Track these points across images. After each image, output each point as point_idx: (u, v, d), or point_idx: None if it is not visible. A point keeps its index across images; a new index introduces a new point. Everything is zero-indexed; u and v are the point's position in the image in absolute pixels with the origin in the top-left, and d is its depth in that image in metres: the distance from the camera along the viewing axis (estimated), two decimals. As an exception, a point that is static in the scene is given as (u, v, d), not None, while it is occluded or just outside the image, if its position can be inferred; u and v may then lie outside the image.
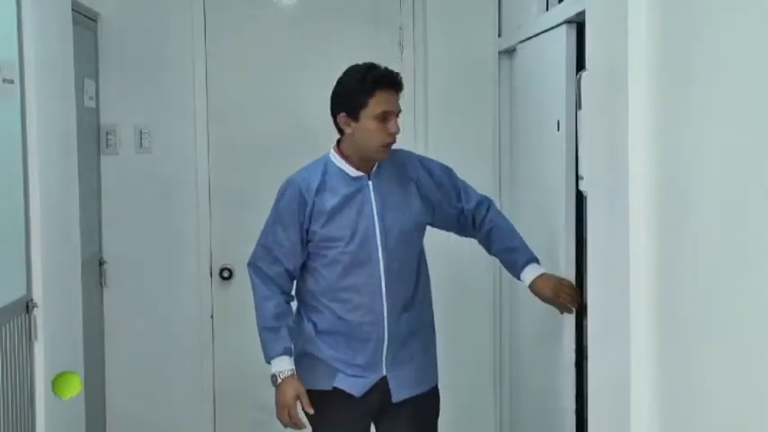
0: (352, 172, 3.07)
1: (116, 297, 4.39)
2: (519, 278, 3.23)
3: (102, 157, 4.36)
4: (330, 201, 3.03)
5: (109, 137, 4.35)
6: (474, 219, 3.25)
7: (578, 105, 2.71)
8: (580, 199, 3.17)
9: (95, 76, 4.28)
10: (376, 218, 3.04)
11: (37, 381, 3.01)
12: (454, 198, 3.22)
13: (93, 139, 4.27)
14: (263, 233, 3.15)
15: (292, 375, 3.02)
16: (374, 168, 3.09)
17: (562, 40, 3.22)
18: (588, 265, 2.29)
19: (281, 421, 3.06)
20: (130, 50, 4.36)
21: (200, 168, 4.43)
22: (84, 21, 4.08)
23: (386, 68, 3.04)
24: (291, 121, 4.47)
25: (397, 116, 3.02)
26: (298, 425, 3.04)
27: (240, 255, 4.46)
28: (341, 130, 3.09)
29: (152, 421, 4.44)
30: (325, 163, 3.11)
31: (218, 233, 4.47)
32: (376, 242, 3.04)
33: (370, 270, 3.03)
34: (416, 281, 3.15)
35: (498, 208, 3.41)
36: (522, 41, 3.90)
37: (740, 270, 1.41)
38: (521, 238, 3.26)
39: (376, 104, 2.97)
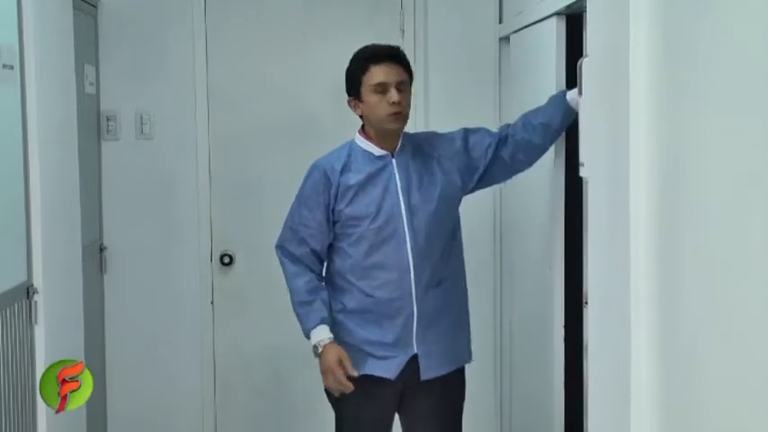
0: (376, 151, 3.12)
1: (116, 283, 4.40)
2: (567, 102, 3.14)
3: (103, 143, 4.36)
4: (354, 179, 3.09)
5: (109, 123, 4.35)
6: (507, 143, 3.20)
7: (579, 91, 2.72)
8: (578, 184, 3.18)
9: (96, 62, 4.27)
10: (401, 194, 3.08)
11: (38, 365, 3.02)
12: (486, 146, 3.20)
13: (93, 125, 4.26)
14: (290, 215, 3.20)
15: (332, 342, 3.04)
16: (398, 147, 3.13)
17: (552, 32, 3.31)
18: (588, 251, 2.30)
19: (330, 387, 3.07)
20: (131, 36, 4.35)
21: (200, 154, 4.42)
22: (85, 6, 4.07)
23: (381, 45, 3.13)
24: (292, 107, 4.46)
25: (400, 87, 3.05)
26: (346, 387, 3.03)
27: (241, 241, 4.49)
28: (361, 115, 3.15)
29: (153, 406, 4.45)
30: (350, 146, 3.17)
31: (218, 219, 4.47)
32: (401, 218, 3.06)
33: (397, 246, 3.05)
34: (448, 257, 3.16)
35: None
36: (515, 32, 3.94)
37: (742, 258, 1.41)
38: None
39: (370, 78, 3.05)
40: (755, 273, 1.36)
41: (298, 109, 4.46)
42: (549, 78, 3.37)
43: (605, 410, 2.07)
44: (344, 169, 3.10)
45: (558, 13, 3.30)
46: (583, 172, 2.77)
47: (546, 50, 3.42)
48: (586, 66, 2.49)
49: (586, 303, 2.63)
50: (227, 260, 4.47)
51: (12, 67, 2.92)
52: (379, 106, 3.04)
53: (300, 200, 3.16)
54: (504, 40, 4.23)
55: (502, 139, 3.20)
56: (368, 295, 3.09)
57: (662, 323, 1.76)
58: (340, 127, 4.35)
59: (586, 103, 2.50)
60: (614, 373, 1.96)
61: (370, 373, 3.09)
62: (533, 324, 3.75)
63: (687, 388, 1.64)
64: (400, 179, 3.10)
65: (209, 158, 4.44)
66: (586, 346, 2.59)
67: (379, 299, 3.08)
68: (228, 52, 4.43)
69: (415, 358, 3.09)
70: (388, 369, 3.08)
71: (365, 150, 3.13)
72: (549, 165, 3.39)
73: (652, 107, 1.78)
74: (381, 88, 3.03)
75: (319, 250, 3.14)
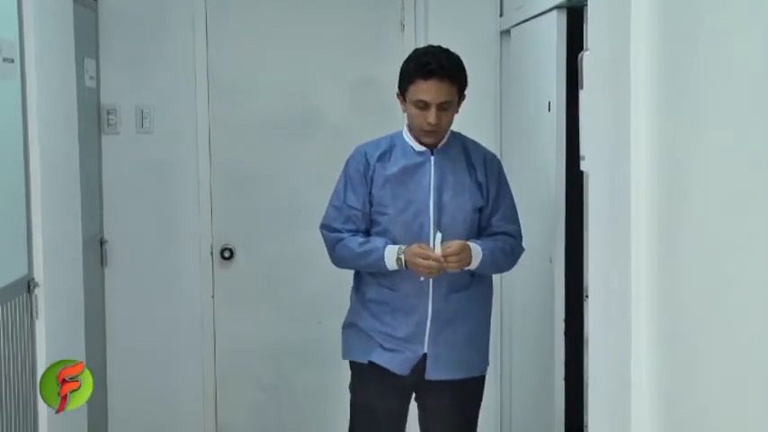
0: (417, 146, 3.13)
1: (117, 277, 4.40)
2: None
3: (103, 137, 4.35)
4: (390, 169, 3.11)
5: (110, 117, 4.35)
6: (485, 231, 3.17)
7: (580, 85, 2.72)
8: (578, 178, 3.19)
9: (96, 56, 4.27)
10: (432, 191, 3.09)
11: (38, 360, 3.02)
12: (490, 214, 3.17)
13: (93, 118, 4.26)
14: (335, 195, 3.21)
15: (406, 246, 3.02)
16: (441, 145, 3.13)
17: (553, 25, 3.31)
18: (589, 245, 2.30)
19: (425, 269, 2.97)
20: (131, 30, 4.34)
21: (200, 148, 4.42)
22: (85, 0, 4.06)
23: (437, 56, 3.05)
24: (293, 100, 4.46)
25: (442, 107, 3.01)
26: (433, 257, 2.95)
27: (241, 234, 4.48)
28: None
29: (153, 399, 4.45)
30: (394, 136, 3.19)
31: (219, 213, 4.47)
32: (429, 216, 3.07)
33: (420, 242, 3.03)
34: None
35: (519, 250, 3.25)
36: (516, 25, 3.94)
37: (742, 252, 1.41)
38: (494, 252, 3.13)
39: (413, 92, 3.04)
40: (755, 265, 1.36)
41: (299, 102, 4.46)
42: (550, 72, 3.37)
43: (606, 404, 2.07)
44: (382, 157, 3.13)
45: (558, 7, 3.30)
46: (584, 166, 2.77)
47: (547, 44, 3.42)
48: (587, 59, 2.48)
49: (587, 297, 2.63)
50: (227, 254, 4.47)
51: (12, 61, 2.91)
52: (416, 120, 3.05)
53: (345, 181, 3.17)
54: (505, 33, 4.23)
55: (489, 226, 3.16)
56: (387, 287, 3.12)
57: (662, 317, 1.76)
58: (342, 120, 4.37)
59: (587, 96, 2.50)
60: (615, 366, 1.96)
61: (376, 361, 3.11)
62: (534, 318, 3.75)
63: (687, 382, 1.64)
64: (435, 177, 3.10)
65: (209, 152, 4.43)
66: (587, 340, 2.59)
67: (397, 293, 3.10)
68: (229, 46, 4.43)
69: (424, 357, 3.09)
70: (395, 363, 3.09)
71: (407, 143, 3.14)
72: (550, 158, 3.39)
73: (653, 101, 1.78)
74: (423, 105, 3.02)
75: (363, 231, 3.15)
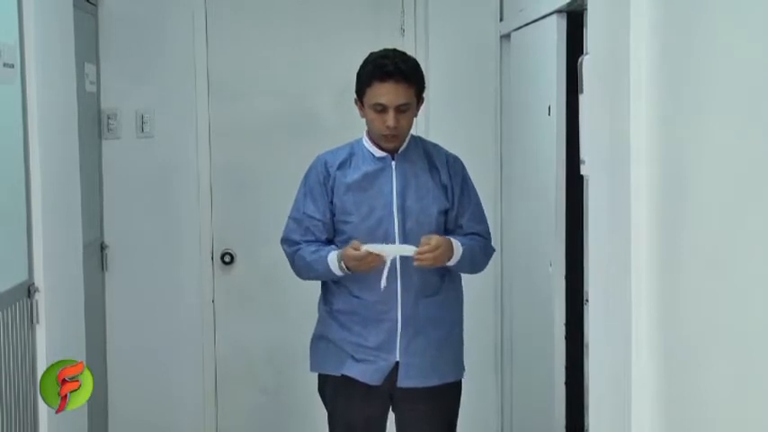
0: (377, 152, 3.10)
1: (117, 281, 4.40)
2: None
3: (104, 142, 4.36)
4: (351, 176, 3.08)
5: (110, 121, 4.35)
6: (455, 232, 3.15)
7: (580, 89, 2.72)
8: (578, 182, 3.19)
9: (96, 61, 4.27)
10: (395, 197, 3.06)
11: (39, 364, 3.02)
12: (457, 215, 3.14)
13: (94, 123, 4.26)
14: (294, 207, 3.18)
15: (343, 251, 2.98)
16: (401, 150, 3.10)
17: (553, 29, 3.32)
18: (589, 249, 2.30)
19: (360, 267, 2.95)
20: (131, 34, 4.35)
21: (201, 152, 4.42)
22: (85, 5, 4.07)
23: (393, 58, 3.02)
24: (292, 104, 4.47)
25: (401, 109, 2.98)
26: (370, 253, 2.92)
27: (241, 239, 4.49)
28: None
29: (154, 405, 4.45)
30: (354, 143, 3.16)
31: (219, 217, 4.47)
32: (393, 221, 3.05)
33: None
34: (443, 269, 3.08)
35: (490, 243, 3.23)
36: (516, 29, 3.95)
37: (742, 256, 1.41)
38: (472, 248, 3.11)
39: (371, 96, 3.01)
40: (755, 271, 1.36)
41: (298, 106, 4.46)
42: (550, 76, 3.38)
43: (606, 408, 2.07)
44: (343, 165, 3.10)
45: (558, 11, 3.31)
46: (584, 170, 2.77)
47: (547, 48, 3.43)
48: (587, 63, 2.49)
49: (587, 301, 2.63)
50: (227, 259, 4.47)
51: (12, 66, 2.92)
52: (375, 124, 3.03)
53: (305, 192, 3.15)
54: (505, 37, 4.23)
55: (458, 227, 3.13)
56: (354, 296, 3.08)
57: (663, 321, 1.76)
58: (341, 123, 4.37)
59: (587, 100, 2.50)
60: (615, 370, 1.96)
61: (348, 374, 3.07)
62: (534, 322, 3.75)
63: (688, 386, 1.64)
64: (397, 182, 3.07)
65: (209, 157, 4.44)
66: (587, 344, 2.59)
67: (365, 301, 3.06)
68: (229, 50, 4.43)
69: (397, 366, 3.05)
70: (367, 374, 3.06)
71: (368, 150, 3.11)
72: (550, 162, 3.40)
73: (653, 105, 1.78)
74: (381, 108, 2.99)
75: (324, 241, 3.12)
